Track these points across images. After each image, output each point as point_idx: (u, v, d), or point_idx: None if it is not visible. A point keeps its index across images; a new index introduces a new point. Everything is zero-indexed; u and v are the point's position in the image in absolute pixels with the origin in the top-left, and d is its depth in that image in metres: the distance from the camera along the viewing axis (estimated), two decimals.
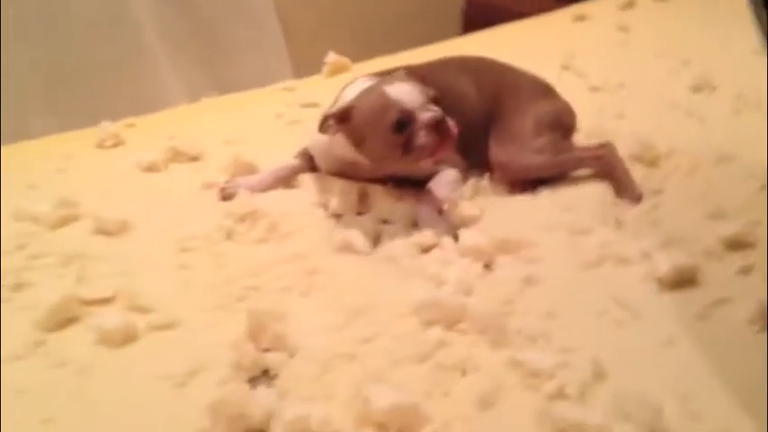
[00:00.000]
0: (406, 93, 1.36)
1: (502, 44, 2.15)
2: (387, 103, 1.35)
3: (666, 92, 1.86)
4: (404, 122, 1.34)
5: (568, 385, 0.97)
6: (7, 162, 1.60)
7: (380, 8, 3.09)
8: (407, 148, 1.35)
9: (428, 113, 1.33)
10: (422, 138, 1.33)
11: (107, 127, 1.76)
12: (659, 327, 1.09)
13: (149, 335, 1.13)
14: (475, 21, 3.41)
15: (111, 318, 1.13)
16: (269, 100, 1.96)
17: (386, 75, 1.51)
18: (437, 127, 1.33)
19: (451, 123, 1.35)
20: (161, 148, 1.64)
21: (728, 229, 1.26)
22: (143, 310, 1.16)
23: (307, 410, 0.93)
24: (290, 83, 2.07)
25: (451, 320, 1.10)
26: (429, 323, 1.10)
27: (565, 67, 2.02)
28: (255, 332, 1.10)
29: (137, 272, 1.26)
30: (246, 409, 0.96)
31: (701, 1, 2.54)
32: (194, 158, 1.64)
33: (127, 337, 1.11)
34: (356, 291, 1.20)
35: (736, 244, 1.25)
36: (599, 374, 1.00)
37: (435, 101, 1.37)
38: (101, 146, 1.73)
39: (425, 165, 1.42)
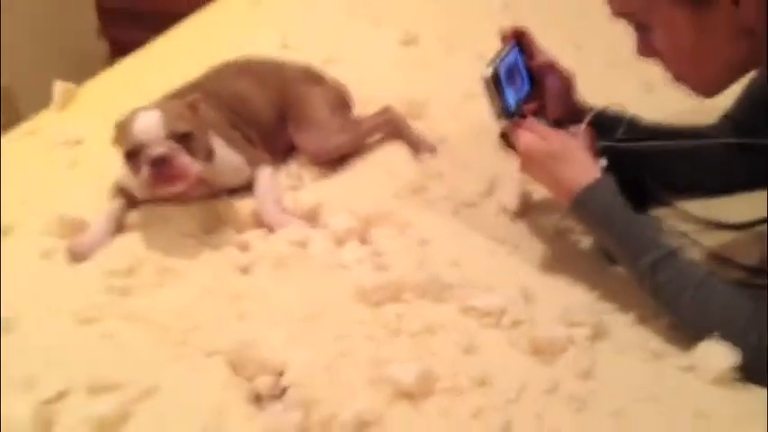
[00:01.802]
0: (148, 123, 1.41)
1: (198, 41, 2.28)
2: (127, 131, 1.42)
3: (384, 50, 2.15)
4: (133, 154, 1.42)
5: (519, 314, 1.22)
6: None
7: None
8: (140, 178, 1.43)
9: (155, 150, 1.38)
10: (144, 173, 1.40)
11: None
12: (536, 250, 1.39)
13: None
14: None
15: None
16: (17, 149, 1.85)
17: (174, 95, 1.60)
18: (162, 165, 1.38)
19: (185, 163, 1.40)
20: None
21: None
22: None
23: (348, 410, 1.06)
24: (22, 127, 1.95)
25: (395, 295, 1.27)
26: (377, 304, 1.26)
27: (284, 46, 2.18)
28: (236, 366, 1.19)
29: (53, 361, 1.20)
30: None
31: None
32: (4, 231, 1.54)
33: None
34: (291, 302, 1.29)
35: None
36: (530, 298, 1.27)
37: (183, 137, 1.42)
38: None
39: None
